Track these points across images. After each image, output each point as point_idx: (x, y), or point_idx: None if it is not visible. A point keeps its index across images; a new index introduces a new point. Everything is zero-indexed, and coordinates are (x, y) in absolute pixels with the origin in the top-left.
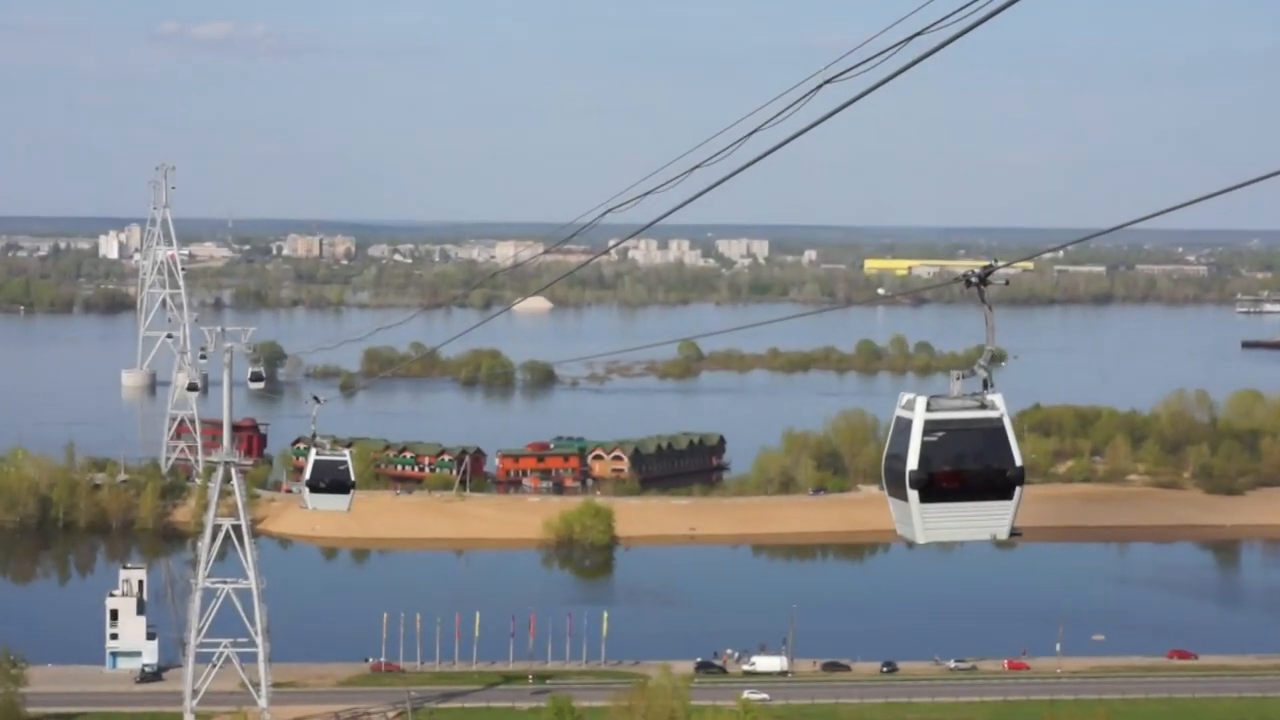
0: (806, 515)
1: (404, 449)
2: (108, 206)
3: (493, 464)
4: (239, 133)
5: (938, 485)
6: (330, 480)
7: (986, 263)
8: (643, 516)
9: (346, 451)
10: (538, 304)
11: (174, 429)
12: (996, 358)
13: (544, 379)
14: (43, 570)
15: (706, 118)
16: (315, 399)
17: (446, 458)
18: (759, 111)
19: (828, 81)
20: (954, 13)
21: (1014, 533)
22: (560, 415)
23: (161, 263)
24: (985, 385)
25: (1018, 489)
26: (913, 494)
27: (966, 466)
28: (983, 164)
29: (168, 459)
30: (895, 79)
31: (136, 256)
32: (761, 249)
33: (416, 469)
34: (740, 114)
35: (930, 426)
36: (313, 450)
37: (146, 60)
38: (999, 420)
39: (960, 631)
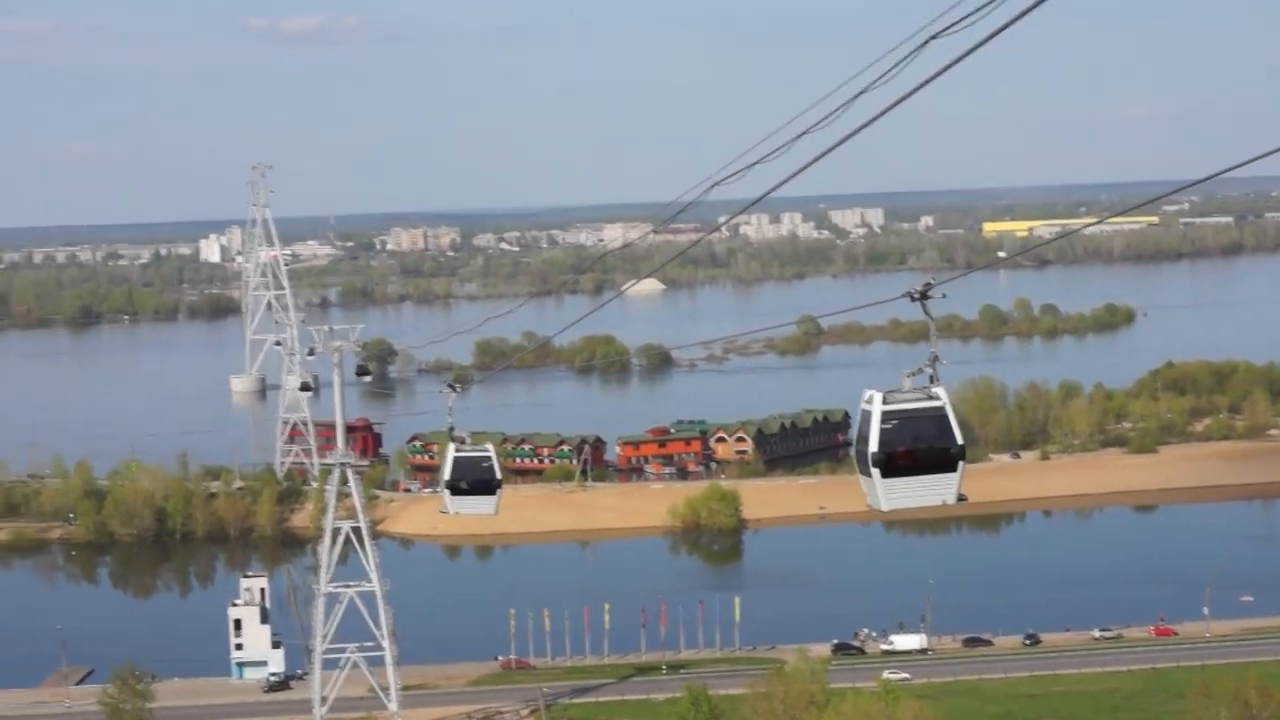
0: None
1: (522, 441)
2: (207, 210)
3: (613, 452)
4: (336, 127)
5: (895, 463)
6: (474, 479)
7: (926, 281)
8: (769, 498)
9: (490, 446)
10: (650, 286)
11: (287, 433)
12: (937, 359)
13: (661, 362)
14: (163, 583)
15: (811, 84)
16: (451, 387)
17: (566, 448)
18: (865, 72)
19: (934, 37)
20: None
21: (960, 498)
22: (680, 398)
23: (265, 264)
24: (931, 380)
25: (960, 463)
26: (875, 471)
27: (917, 447)
28: (1100, 118)
29: (282, 464)
30: (1004, 32)
31: (239, 259)
32: (876, 217)
33: (536, 461)
34: (846, 77)
35: (886, 416)
36: (450, 446)
37: (238, 58)
38: (942, 409)
39: (1102, 600)
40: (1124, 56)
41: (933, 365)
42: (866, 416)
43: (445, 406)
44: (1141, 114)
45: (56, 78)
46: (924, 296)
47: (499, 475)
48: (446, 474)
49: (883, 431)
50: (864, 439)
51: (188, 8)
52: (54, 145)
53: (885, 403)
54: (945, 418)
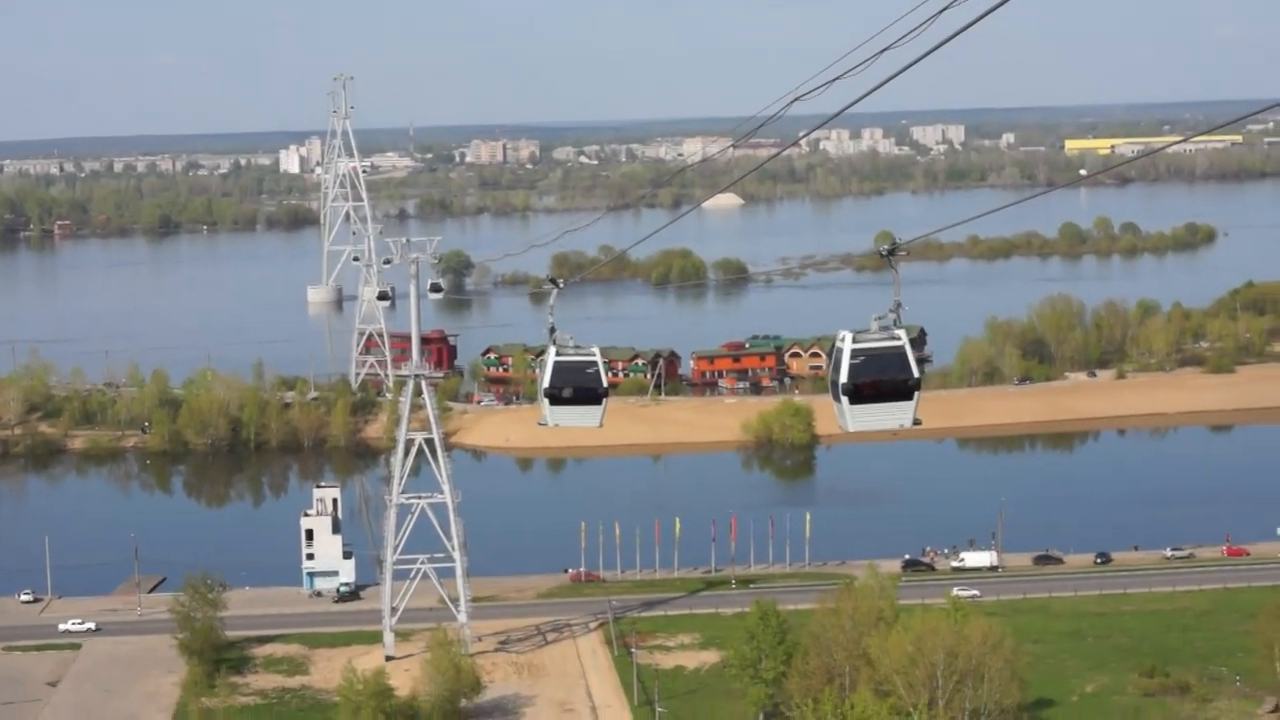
0: (1012, 406)
1: None
2: (287, 120)
3: (687, 366)
4: (417, 39)
5: (861, 392)
6: (576, 387)
7: (891, 243)
8: None
9: (596, 350)
10: (728, 200)
11: (362, 344)
12: (900, 306)
13: (737, 277)
14: (236, 492)
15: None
16: (553, 282)
17: (640, 361)
18: None
19: None
20: None
21: (916, 422)
22: (755, 313)
23: (344, 175)
24: (894, 323)
25: (916, 393)
26: (844, 398)
27: (880, 379)
28: (1186, 36)
29: (357, 374)
30: None
31: (318, 170)
32: (957, 134)
33: (610, 374)
34: None
35: (855, 353)
36: (551, 349)
37: None
38: (902, 348)
39: (1175, 520)
40: None
41: (896, 311)
42: (839, 352)
43: (548, 305)
44: (1229, 33)
45: None
46: (891, 253)
47: (605, 383)
48: (546, 380)
49: (851, 366)
50: (836, 370)
51: None
52: (136, 55)
53: (854, 341)
54: (904, 355)
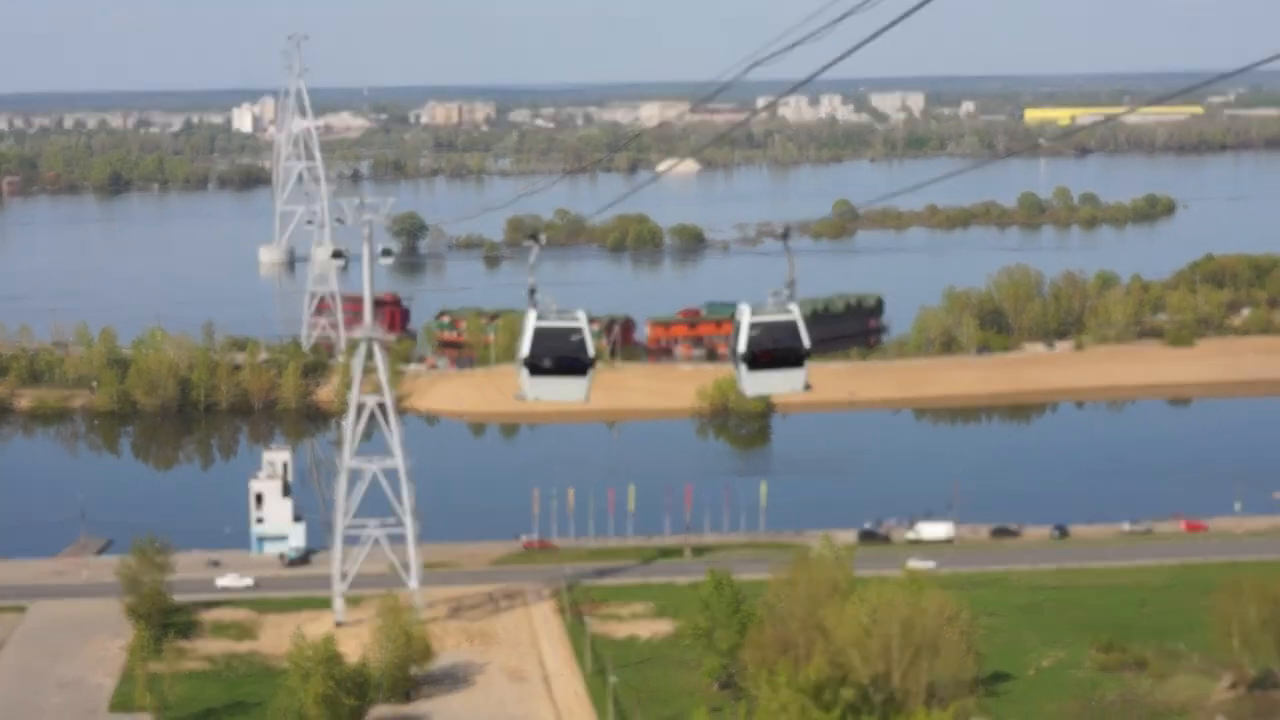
0: (970, 376)
1: None
2: (241, 79)
3: (643, 332)
4: None
5: (758, 360)
6: (559, 356)
7: (785, 225)
8: None
9: (581, 315)
10: (685, 166)
11: (314, 306)
12: (794, 283)
13: (693, 243)
14: (185, 454)
15: None
16: (534, 239)
17: (595, 327)
18: None
19: None
20: None
21: (806, 387)
22: (712, 280)
23: (297, 135)
24: (789, 298)
25: (806, 361)
26: (743, 365)
27: (775, 348)
28: (1147, 6)
29: (309, 336)
30: None
31: (271, 130)
32: (917, 102)
33: None
34: None
35: (753, 325)
36: (531, 314)
37: None
38: (794, 321)
39: (1133, 494)
40: None
41: (790, 288)
42: (738, 324)
43: (528, 263)
44: (1191, 1)
45: None
46: (785, 236)
47: (591, 352)
48: (525, 349)
49: (750, 336)
50: (735, 339)
51: None
52: (89, 10)
53: (753, 315)
54: (796, 327)
